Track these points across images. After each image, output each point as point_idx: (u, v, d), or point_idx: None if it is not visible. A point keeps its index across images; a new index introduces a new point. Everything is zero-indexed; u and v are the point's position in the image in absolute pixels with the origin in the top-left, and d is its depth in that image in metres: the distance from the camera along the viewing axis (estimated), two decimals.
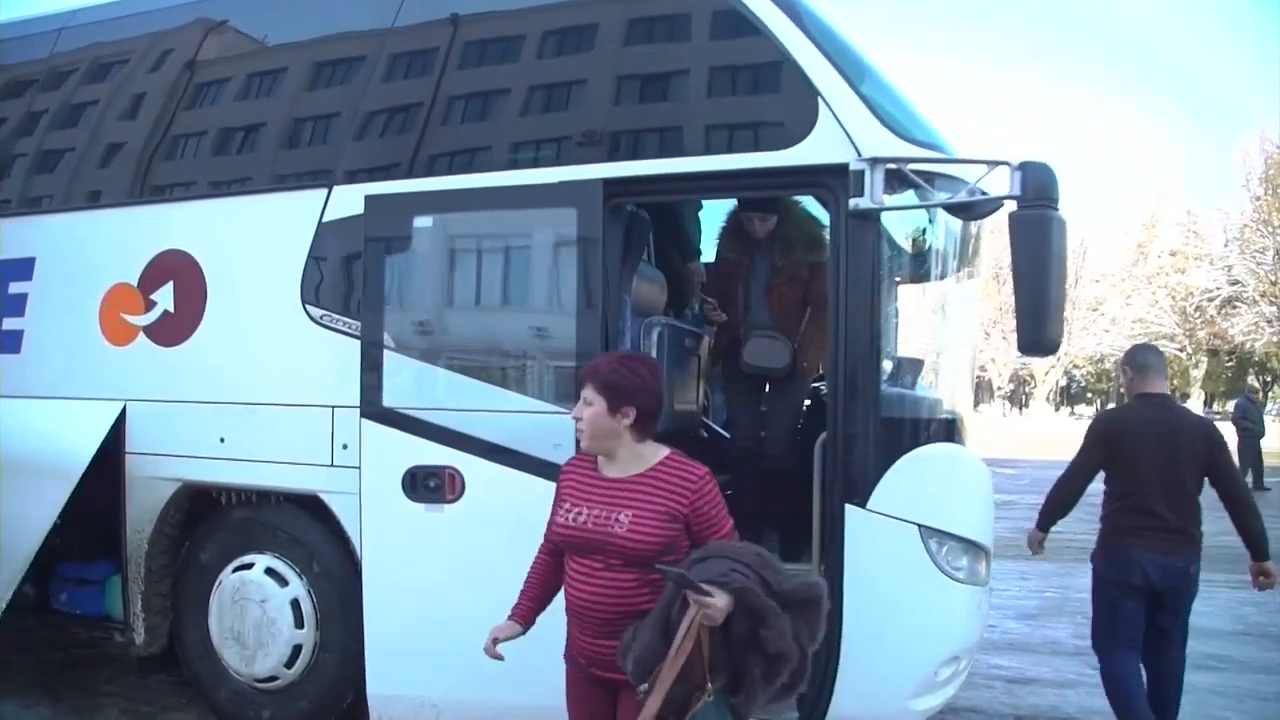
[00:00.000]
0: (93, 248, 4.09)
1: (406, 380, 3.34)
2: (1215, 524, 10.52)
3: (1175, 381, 40.84)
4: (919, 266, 3.19)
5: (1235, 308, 34.07)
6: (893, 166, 2.93)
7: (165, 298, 3.91)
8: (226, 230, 3.83)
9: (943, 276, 3.24)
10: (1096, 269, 40.24)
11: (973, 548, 3.09)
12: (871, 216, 2.97)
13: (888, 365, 3.01)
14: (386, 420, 3.30)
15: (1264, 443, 14.56)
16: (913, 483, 2.98)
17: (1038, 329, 2.69)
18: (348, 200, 3.56)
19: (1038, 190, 2.72)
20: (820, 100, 3.01)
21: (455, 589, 3.24)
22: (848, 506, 2.97)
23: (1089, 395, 54.60)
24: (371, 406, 3.32)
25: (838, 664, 2.99)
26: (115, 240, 4.04)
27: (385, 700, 3.35)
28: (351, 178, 3.58)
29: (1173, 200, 38.48)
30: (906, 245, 3.16)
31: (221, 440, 3.75)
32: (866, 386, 2.98)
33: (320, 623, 3.66)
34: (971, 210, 2.93)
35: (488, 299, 3.36)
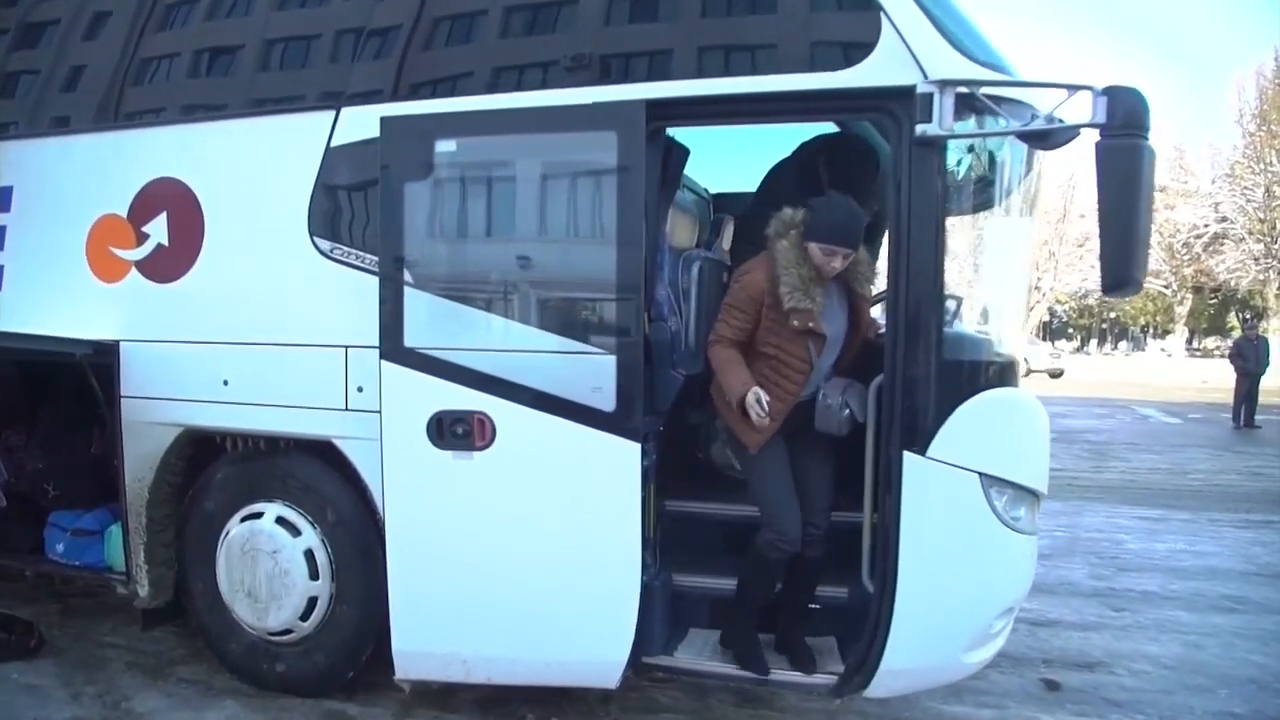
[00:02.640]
0: (76, 175, 3.76)
1: (430, 319, 3.09)
2: (1214, 462, 10.62)
3: (1159, 318, 41.24)
4: (982, 199, 2.97)
5: (1221, 245, 34.14)
6: (964, 90, 2.68)
7: (158, 230, 3.61)
8: (224, 157, 3.52)
9: (1006, 210, 3.03)
10: (1084, 204, 40.01)
11: (1030, 496, 2.95)
12: (937, 144, 2.74)
13: (950, 304, 2.81)
14: (409, 362, 3.07)
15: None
16: (975, 429, 2.82)
17: (1127, 267, 2.50)
18: (358, 122, 3.27)
19: (1128, 117, 2.49)
20: (883, 16, 2.74)
21: (485, 540, 3.08)
22: (906, 454, 2.81)
23: (1070, 331, 55.06)
24: (392, 348, 3.08)
25: (890, 616, 2.86)
26: (101, 167, 3.72)
27: (411, 657, 3.20)
28: (363, 98, 3.27)
29: (1161, 136, 37.98)
30: (970, 175, 2.92)
31: (225, 383, 3.51)
32: (929, 327, 2.78)
33: (336, 574, 3.49)
34: (1048, 139, 2.70)
35: (517, 231, 3.10)
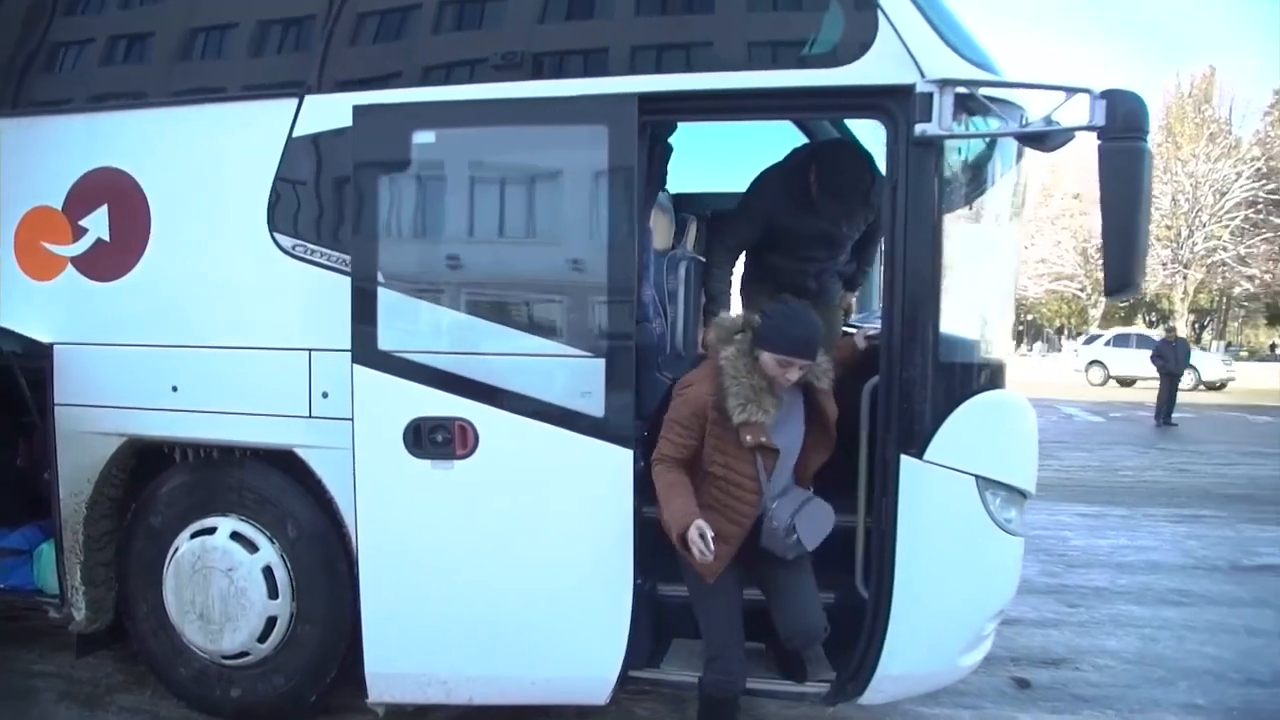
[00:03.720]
0: (3, 162, 3.45)
1: (407, 321, 2.92)
2: (1141, 459, 10.99)
3: (1073, 320, 42.97)
4: (977, 199, 2.95)
5: None
6: (963, 90, 2.66)
7: (98, 224, 3.34)
8: (173, 146, 3.27)
9: (998, 210, 3.02)
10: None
11: (1020, 497, 2.95)
12: (935, 144, 2.70)
13: (947, 305, 2.78)
14: (384, 366, 2.89)
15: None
16: (971, 431, 2.80)
17: (1129, 270, 2.51)
18: (323, 111, 3.08)
19: (1127, 120, 2.50)
20: (880, 14, 2.70)
21: (467, 554, 2.92)
22: (903, 457, 2.77)
23: None
24: (366, 351, 2.90)
25: (887, 621, 2.82)
26: (32, 154, 3.42)
27: (385, 679, 3.01)
28: (331, 85, 3.07)
29: (1077, 143, 39.70)
30: (964, 176, 2.90)
31: (174, 389, 3.27)
32: (926, 329, 2.75)
33: (297, 592, 3.28)
34: (1045, 140, 2.70)
35: (500, 229, 2.94)
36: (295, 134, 3.13)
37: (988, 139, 2.82)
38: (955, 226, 2.80)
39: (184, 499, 3.39)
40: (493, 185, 2.92)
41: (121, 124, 3.37)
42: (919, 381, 2.76)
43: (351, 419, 2.95)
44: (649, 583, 3.16)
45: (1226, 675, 4.13)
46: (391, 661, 3.00)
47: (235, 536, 3.29)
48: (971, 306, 2.91)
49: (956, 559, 2.82)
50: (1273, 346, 45.10)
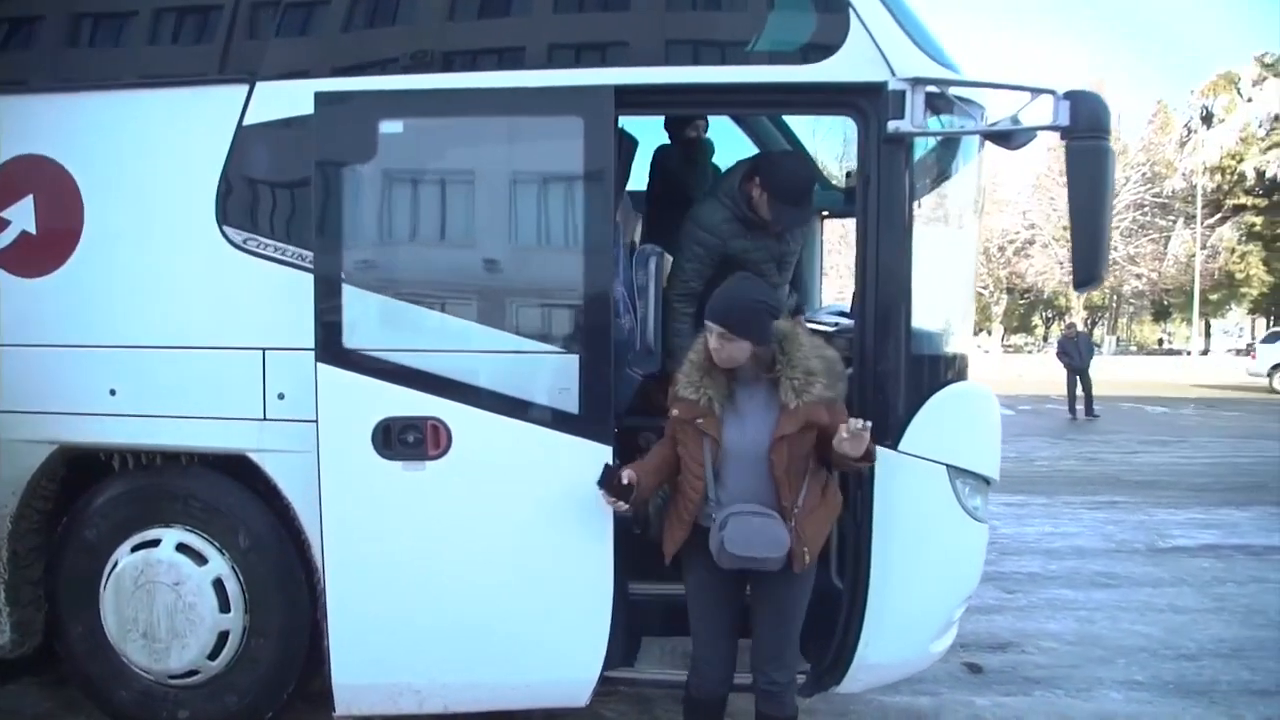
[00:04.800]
0: None
1: (374, 318, 2.81)
2: (1053, 450, 11.52)
3: (977, 317, 44.82)
4: (943, 195, 3.03)
5: (1030, 250, 37.66)
6: (934, 89, 2.72)
7: (22, 216, 3.11)
8: (110, 134, 3.05)
9: (962, 206, 3.11)
10: None
11: (984, 485, 3.03)
12: (905, 141, 2.76)
13: (918, 298, 2.84)
14: (350, 364, 2.77)
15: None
16: (942, 422, 2.86)
17: (1095, 263, 2.60)
18: (277, 98, 2.93)
19: (1091, 120, 2.60)
20: (852, 13, 2.74)
21: (440, 557, 2.84)
22: (877, 448, 2.81)
23: None
24: (331, 349, 2.77)
25: (864, 611, 2.86)
26: None
27: (354, 690, 2.89)
28: (285, 70, 2.93)
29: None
30: (932, 172, 2.97)
31: (112, 393, 3.07)
32: (899, 323, 2.80)
33: (251, 604, 3.13)
34: (1010, 139, 2.78)
35: (471, 222, 2.85)
36: (246, 122, 2.97)
37: (955, 137, 2.88)
38: (924, 221, 2.86)
39: (123, 510, 3.18)
40: (464, 177, 2.83)
41: (50, 109, 3.13)
42: (892, 374, 2.81)
43: (314, 420, 2.82)
44: (624, 581, 3.12)
45: (1159, 652, 4.36)
46: (361, 672, 2.88)
47: (182, 548, 3.11)
48: (941, 300, 2.98)
49: (929, 547, 2.88)
50: (1160, 341, 48.08)
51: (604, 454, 2.76)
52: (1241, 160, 35.23)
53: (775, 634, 2.66)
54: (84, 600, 3.19)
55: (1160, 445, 12.11)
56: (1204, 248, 35.32)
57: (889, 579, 2.84)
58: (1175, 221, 37.62)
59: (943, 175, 2.99)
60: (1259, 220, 36.50)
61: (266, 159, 2.98)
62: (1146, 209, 36.24)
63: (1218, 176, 35.71)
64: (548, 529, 2.80)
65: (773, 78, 2.79)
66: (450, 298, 2.86)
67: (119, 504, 3.19)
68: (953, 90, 2.75)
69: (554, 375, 2.77)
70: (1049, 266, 36.46)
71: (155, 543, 3.11)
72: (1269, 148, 34.62)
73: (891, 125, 2.70)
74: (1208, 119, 37.07)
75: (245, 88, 2.97)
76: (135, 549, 3.12)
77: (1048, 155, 34.93)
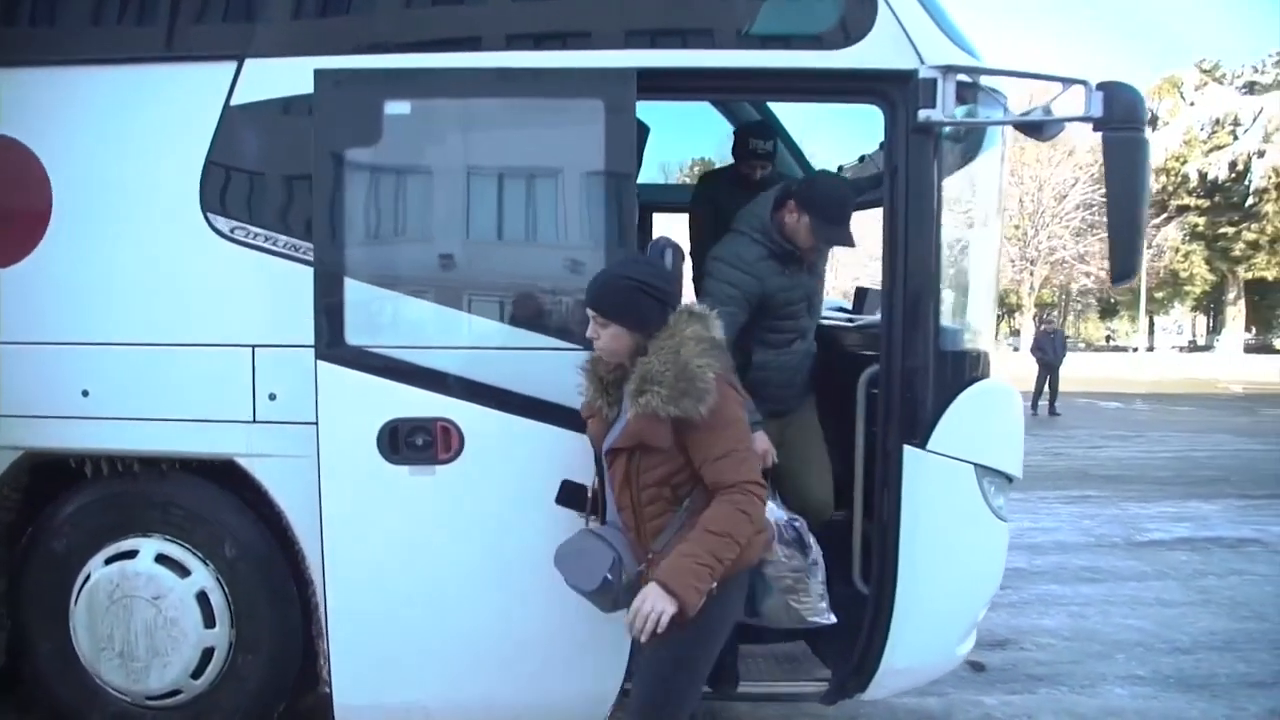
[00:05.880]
0: None
1: (380, 313, 2.63)
2: (1033, 444, 11.57)
3: None
4: (972, 187, 2.95)
5: None
6: (965, 78, 2.63)
7: None
8: (81, 114, 2.82)
9: (988, 199, 3.04)
10: None
11: (1007, 483, 2.98)
12: (934, 130, 2.67)
13: (947, 295, 2.76)
14: (353, 363, 2.60)
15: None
16: (970, 420, 2.78)
17: (1132, 256, 2.53)
18: (270, 76, 2.73)
19: (1126, 112, 2.53)
20: None
21: (452, 568, 2.67)
22: (906, 447, 2.72)
23: None
24: (333, 346, 2.59)
25: (890, 614, 2.77)
26: None
27: (357, 711, 2.71)
28: (280, 47, 2.73)
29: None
30: (960, 163, 2.89)
31: (85, 394, 2.84)
32: (927, 318, 2.71)
33: (238, 619, 2.93)
34: (1041, 130, 2.72)
35: (485, 210, 2.68)
36: (234, 102, 2.76)
37: (981, 128, 2.81)
38: (952, 214, 2.78)
39: (95, 519, 2.96)
40: (477, 163, 2.67)
41: (11, 85, 2.88)
42: (921, 370, 2.72)
43: (311, 422, 2.64)
44: None
45: (1154, 646, 4.38)
46: (364, 692, 2.71)
47: (162, 559, 2.90)
48: (968, 294, 2.90)
49: (956, 548, 2.81)
50: (1107, 338, 49.42)
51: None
52: (1185, 162, 36.28)
53: (639, 687, 2.22)
54: (52, 617, 2.96)
55: (1119, 440, 12.37)
56: (1150, 247, 36.36)
57: (916, 581, 2.76)
58: None
59: (969, 166, 2.91)
60: (1201, 221, 37.69)
61: (257, 141, 2.77)
62: (1096, 208, 37.13)
63: (1163, 178, 36.70)
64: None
65: (799, 63, 2.67)
66: (460, 290, 2.69)
67: (91, 512, 2.97)
68: (985, 80, 2.67)
69: (574, 373, 2.62)
70: (1002, 264, 37.21)
71: (132, 554, 2.90)
72: (1210, 150, 35.72)
73: (922, 114, 2.61)
74: (1153, 122, 38.14)
75: (233, 64, 2.77)
76: (110, 561, 2.90)
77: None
